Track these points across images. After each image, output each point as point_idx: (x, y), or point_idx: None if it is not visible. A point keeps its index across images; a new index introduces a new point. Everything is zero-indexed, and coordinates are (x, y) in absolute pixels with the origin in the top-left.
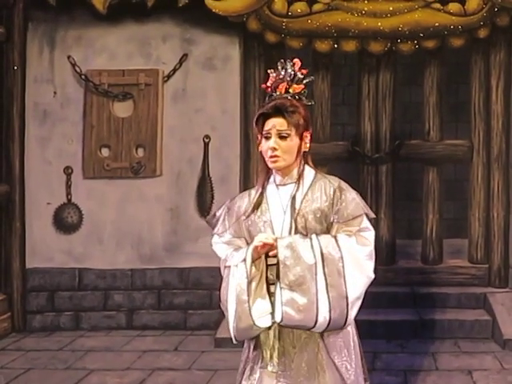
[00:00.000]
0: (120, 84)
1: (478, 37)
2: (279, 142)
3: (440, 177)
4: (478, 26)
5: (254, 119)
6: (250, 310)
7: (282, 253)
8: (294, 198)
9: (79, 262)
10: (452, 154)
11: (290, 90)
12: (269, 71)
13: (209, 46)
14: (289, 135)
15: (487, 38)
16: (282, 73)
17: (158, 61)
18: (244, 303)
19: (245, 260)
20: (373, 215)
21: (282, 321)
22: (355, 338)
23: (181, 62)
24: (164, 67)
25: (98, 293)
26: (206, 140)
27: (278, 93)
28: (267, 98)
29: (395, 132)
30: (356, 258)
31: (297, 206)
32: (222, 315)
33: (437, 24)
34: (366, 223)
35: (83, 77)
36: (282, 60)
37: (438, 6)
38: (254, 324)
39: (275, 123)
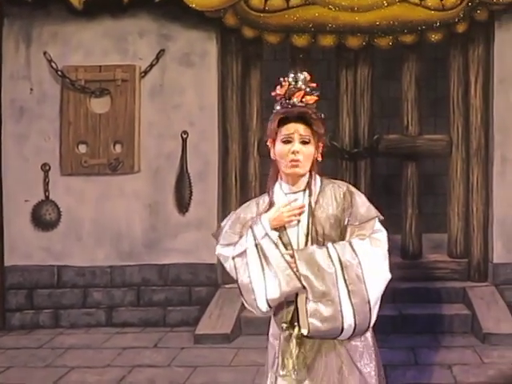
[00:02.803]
0: (97, 80)
1: (457, 31)
2: (301, 147)
3: (419, 171)
4: (457, 21)
5: (275, 122)
6: (295, 273)
7: (302, 266)
8: (310, 206)
9: (58, 260)
10: (431, 148)
11: (303, 100)
12: (281, 79)
13: (186, 42)
14: (310, 141)
15: (466, 32)
16: (300, 83)
17: (135, 56)
18: (286, 269)
19: (267, 234)
20: (381, 217)
21: (309, 332)
22: (374, 343)
23: (158, 58)
24: (141, 63)
25: (77, 290)
26: (184, 136)
27: (295, 99)
28: (280, 104)
29: (373, 127)
30: (372, 261)
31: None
32: (202, 312)
33: (415, 19)
34: (378, 225)
35: (59, 73)
36: (294, 71)
37: (416, 0)
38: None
39: (298, 128)
